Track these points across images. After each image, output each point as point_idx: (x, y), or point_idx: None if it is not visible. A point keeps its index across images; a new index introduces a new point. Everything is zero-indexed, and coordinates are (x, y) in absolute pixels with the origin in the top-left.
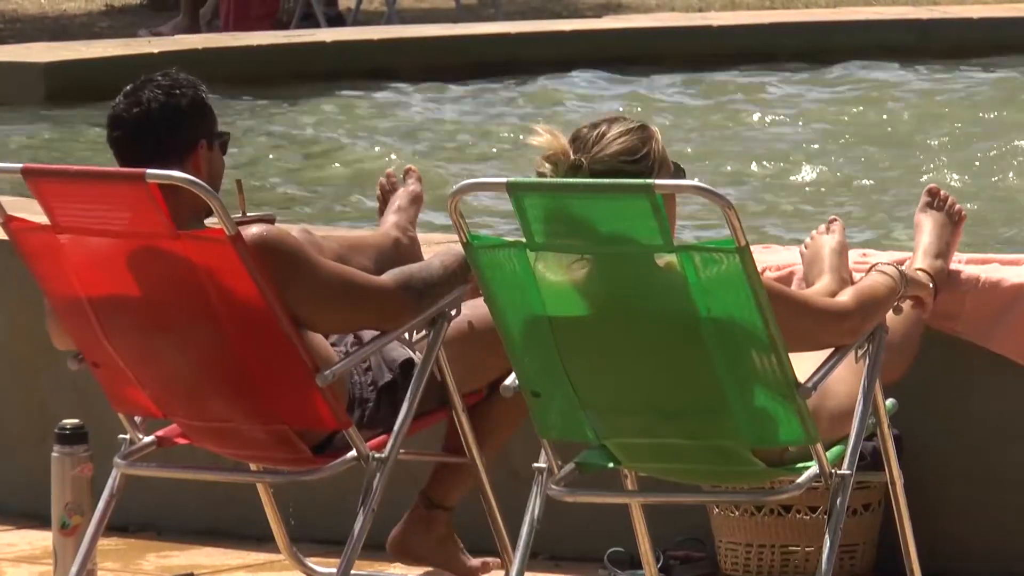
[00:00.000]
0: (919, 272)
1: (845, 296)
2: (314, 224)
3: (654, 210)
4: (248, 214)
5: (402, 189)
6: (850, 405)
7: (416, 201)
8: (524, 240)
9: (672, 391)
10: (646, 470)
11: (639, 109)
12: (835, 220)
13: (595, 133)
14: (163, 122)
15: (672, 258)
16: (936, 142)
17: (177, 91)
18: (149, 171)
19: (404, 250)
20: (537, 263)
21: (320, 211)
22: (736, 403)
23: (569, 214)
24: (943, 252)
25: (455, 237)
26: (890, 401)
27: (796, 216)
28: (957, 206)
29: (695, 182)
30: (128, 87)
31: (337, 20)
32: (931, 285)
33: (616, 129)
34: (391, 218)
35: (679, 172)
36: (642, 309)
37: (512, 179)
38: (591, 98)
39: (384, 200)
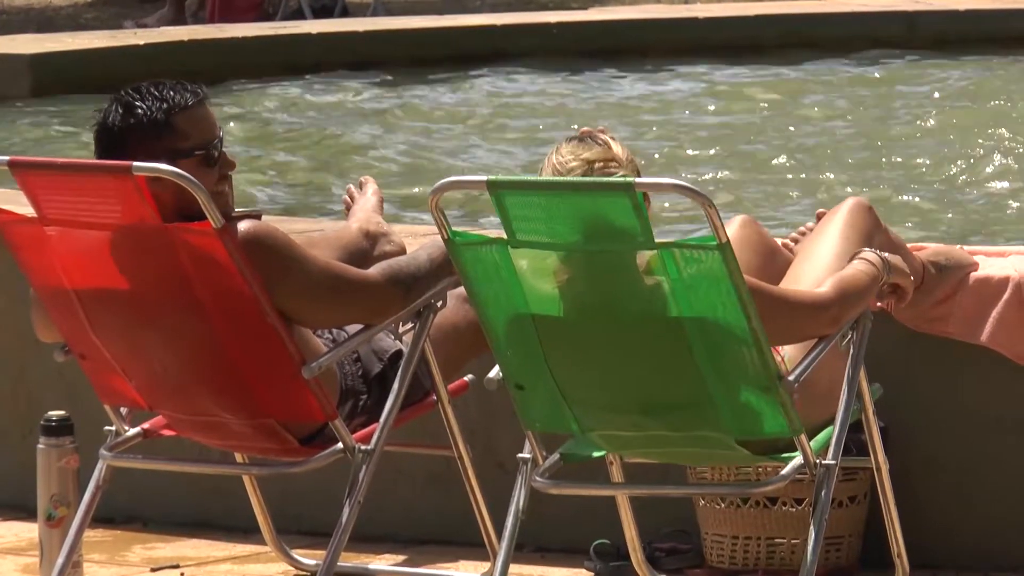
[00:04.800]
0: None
1: (825, 286)
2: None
3: (635, 208)
4: (235, 211)
5: (361, 198)
6: (832, 384)
7: (374, 195)
8: (505, 237)
9: (655, 387)
10: (631, 455)
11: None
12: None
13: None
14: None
15: (653, 255)
16: (920, 132)
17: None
18: (136, 164)
19: (374, 237)
20: (519, 260)
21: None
22: (719, 398)
23: (550, 212)
24: (942, 254)
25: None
26: (875, 386)
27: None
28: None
29: (675, 180)
30: (124, 93)
31: (323, 11)
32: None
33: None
34: (356, 215)
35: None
36: (624, 306)
37: (492, 177)
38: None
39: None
